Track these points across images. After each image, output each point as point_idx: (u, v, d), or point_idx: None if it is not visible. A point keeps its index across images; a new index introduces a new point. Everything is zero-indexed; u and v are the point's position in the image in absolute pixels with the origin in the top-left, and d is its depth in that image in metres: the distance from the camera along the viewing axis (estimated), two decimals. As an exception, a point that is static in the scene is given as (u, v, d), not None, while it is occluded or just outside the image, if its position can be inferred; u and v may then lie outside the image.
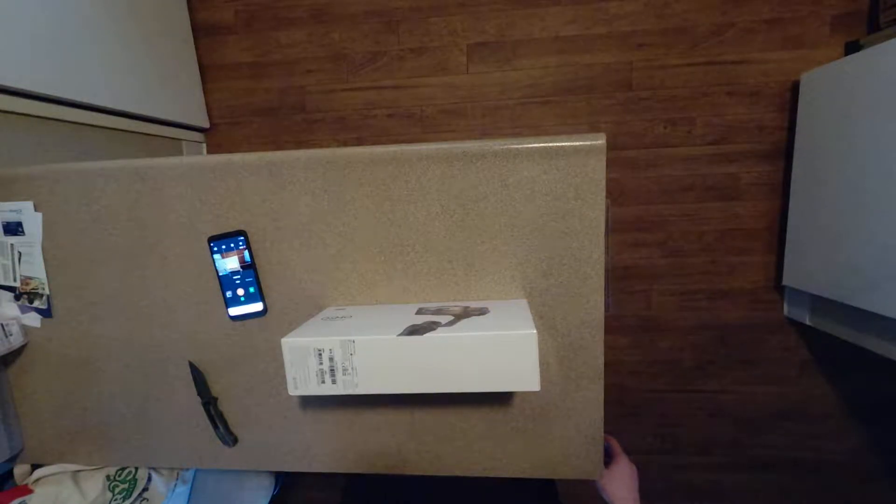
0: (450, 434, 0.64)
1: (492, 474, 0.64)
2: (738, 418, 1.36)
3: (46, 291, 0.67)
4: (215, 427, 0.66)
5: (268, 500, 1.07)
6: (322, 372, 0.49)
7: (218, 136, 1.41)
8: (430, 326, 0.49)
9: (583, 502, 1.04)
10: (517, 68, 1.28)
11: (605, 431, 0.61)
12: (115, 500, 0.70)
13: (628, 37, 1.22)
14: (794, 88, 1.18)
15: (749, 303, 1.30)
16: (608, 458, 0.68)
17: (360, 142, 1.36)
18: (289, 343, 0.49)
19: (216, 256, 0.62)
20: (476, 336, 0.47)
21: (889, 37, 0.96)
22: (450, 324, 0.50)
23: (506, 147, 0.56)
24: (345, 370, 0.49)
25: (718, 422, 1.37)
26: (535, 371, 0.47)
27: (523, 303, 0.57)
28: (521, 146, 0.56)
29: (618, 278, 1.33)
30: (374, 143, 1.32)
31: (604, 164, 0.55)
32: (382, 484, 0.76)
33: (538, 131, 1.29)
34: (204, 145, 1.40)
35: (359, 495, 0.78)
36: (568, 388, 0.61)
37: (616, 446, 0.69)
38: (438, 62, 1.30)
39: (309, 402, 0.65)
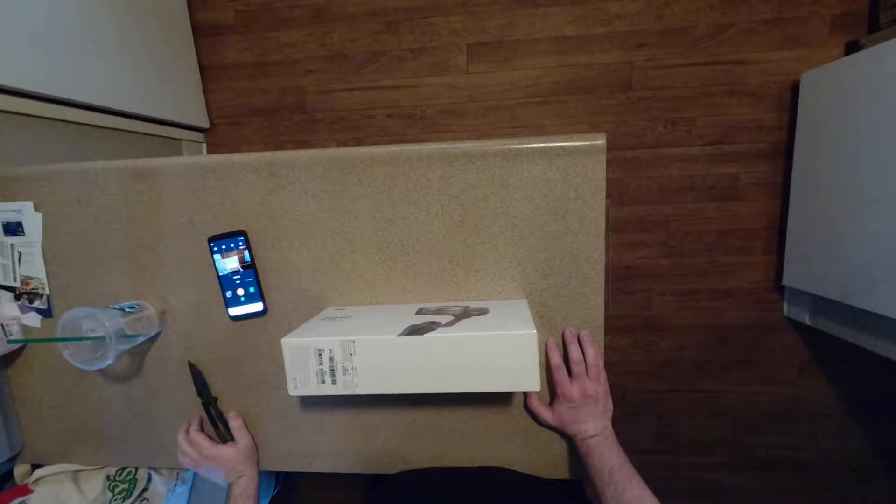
0: (450, 434, 0.64)
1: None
2: (738, 418, 1.36)
3: (46, 291, 0.67)
4: (215, 427, 0.66)
5: (268, 499, 1.07)
6: (322, 372, 0.49)
7: (218, 136, 1.41)
8: (430, 326, 0.49)
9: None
10: (517, 68, 1.27)
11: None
12: (115, 500, 0.70)
13: (628, 37, 1.22)
14: (794, 88, 1.17)
15: (749, 303, 1.30)
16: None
17: (360, 142, 1.36)
18: (289, 343, 0.49)
19: (216, 256, 0.62)
20: (476, 336, 0.47)
21: (889, 37, 0.96)
22: (450, 324, 0.50)
23: (506, 147, 0.56)
24: (345, 370, 0.49)
25: (718, 422, 1.37)
26: (535, 371, 0.47)
27: (523, 303, 0.57)
28: (521, 146, 0.56)
29: (618, 278, 1.33)
30: (374, 143, 1.31)
31: (604, 164, 0.55)
32: (406, 482, 0.66)
33: (538, 131, 1.29)
34: (204, 145, 1.40)
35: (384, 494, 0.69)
36: (568, 388, 0.61)
37: None
38: (438, 62, 1.30)
39: (309, 402, 0.65)
